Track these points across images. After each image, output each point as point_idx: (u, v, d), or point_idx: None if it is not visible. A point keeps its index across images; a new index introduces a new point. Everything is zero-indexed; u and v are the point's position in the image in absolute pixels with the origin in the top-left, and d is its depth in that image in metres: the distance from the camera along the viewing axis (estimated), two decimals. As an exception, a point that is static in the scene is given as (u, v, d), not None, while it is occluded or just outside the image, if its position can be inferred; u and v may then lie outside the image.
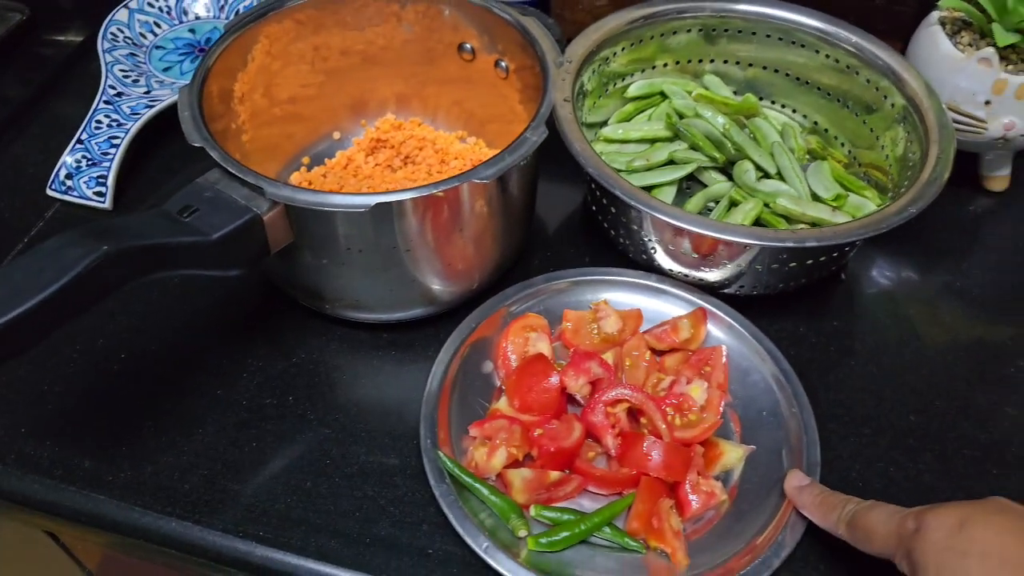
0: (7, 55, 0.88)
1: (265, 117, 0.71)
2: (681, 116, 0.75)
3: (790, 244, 0.57)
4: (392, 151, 0.76)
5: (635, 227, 0.64)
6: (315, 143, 0.76)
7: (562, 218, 0.74)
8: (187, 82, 0.62)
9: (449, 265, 0.61)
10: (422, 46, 0.74)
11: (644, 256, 0.65)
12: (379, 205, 0.53)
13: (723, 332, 0.62)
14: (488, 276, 0.65)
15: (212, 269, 0.53)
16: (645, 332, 0.62)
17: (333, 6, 0.70)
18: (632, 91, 0.77)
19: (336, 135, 0.77)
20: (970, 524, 0.43)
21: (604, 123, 0.77)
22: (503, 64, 0.71)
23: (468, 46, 0.72)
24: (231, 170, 0.54)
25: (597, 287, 0.65)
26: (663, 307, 0.64)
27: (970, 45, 0.70)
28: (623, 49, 0.74)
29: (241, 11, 0.88)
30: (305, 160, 0.75)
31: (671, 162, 0.73)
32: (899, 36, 0.76)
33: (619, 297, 0.64)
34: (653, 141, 0.76)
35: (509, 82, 0.71)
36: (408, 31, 0.72)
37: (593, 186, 0.66)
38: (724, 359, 0.60)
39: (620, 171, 0.71)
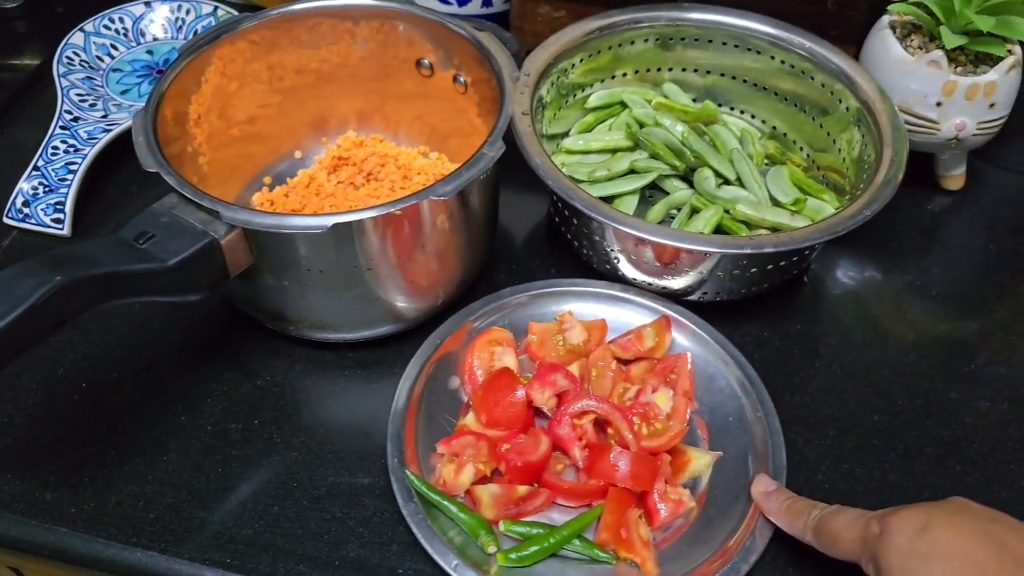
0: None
1: (223, 138, 0.70)
2: (641, 125, 0.76)
3: (748, 251, 0.58)
4: (354, 168, 0.75)
5: (597, 238, 0.64)
6: (276, 162, 0.76)
7: (526, 230, 0.75)
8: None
9: (412, 282, 0.61)
10: (379, 62, 0.73)
11: (608, 266, 0.66)
12: (337, 225, 0.53)
13: (688, 339, 0.62)
14: (453, 291, 0.65)
15: (170, 295, 0.53)
16: (610, 342, 0.62)
17: (287, 25, 0.69)
18: (592, 102, 0.77)
19: (297, 154, 0.77)
20: (932, 527, 0.44)
21: (565, 134, 0.78)
22: (461, 79, 0.71)
23: (426, 61, 0.72)
24: (186, 195, 0.54)
25: (561, 299, 0.65)
26: (628, 316, 0.64)
27: (920, 48, 0.71)
28: (581, 60, 0.75)
29: (199, 32, 0.88)
30: (267, 180, 0.75)
31: (632, 171, 0.74)
32: (851, 41, 0.77)
33: (584, 308, 0.64)
34: (614, 151, 0.76)
35: (468, 96, 0.72)
36: (364, 48, 0.72)
37: (555, 198, 0.66)
38: (689, 366, 0.60)
39: (582, 182, 0.71)
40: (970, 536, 0.43)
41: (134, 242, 0.53)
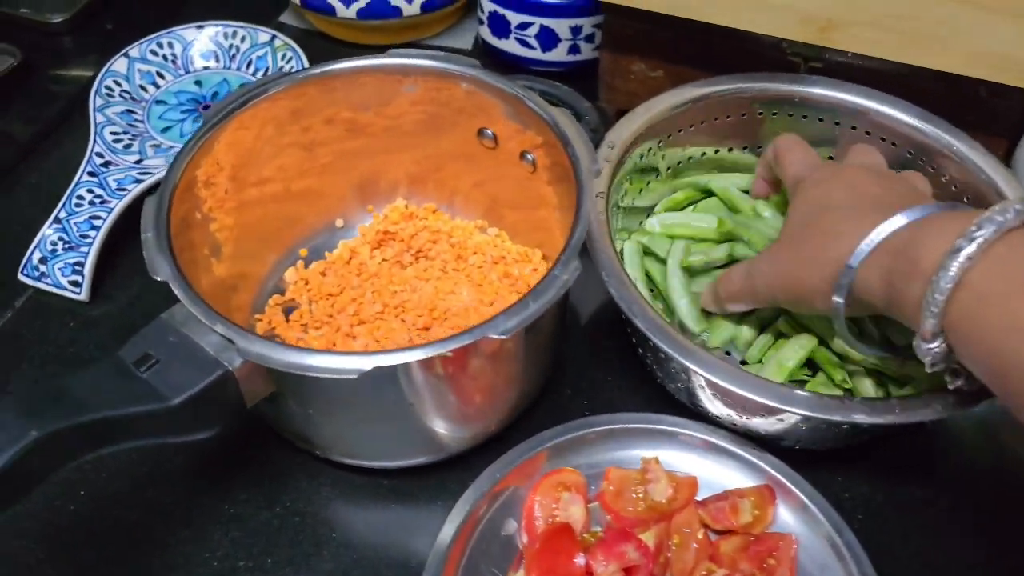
0: (4, 97, 0.80)
1: (256, 203, 0.62)
2: (735, 210, 0.65)
3: (836, 418, 0.47)
4: (402, 245, 0.66)
5: (673, 368, 0.54)
6: (315, 232, 0.67)
7: (597, 324, 0.64)
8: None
9: (462, 413, 0.52)
10: (436, 128, 0.64)
11: (683, 393, 0.56)
12: (376, 369, 0.44)
13: (793, 513, 0.52)
14: (507, 417, 0.56)
15: (173, 436, 0.45)
16: (700, 503, 0.52)
17: (333, 84, 0.60)
18: (681, 183, 0.66)
19: (339, 222, 0.68)
20: (842, 168, 0.53)
21: (653, 207, 0.67)
22: (530, 157, 0.61)
23: (489, 132, 0.63)
24: (198, 315, 0.45)
25: (645, 439, 0.55)
26: (722, 471, 0.54)
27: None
28: (680, 131, 0.64)
29: (253, 61, 0.79)
30: (303, 252, 0.66)
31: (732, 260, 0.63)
32: (1001, 134, 0.65)
33: (672, 456, 0.54)
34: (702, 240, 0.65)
35: (536, 176, 0.62)
36: (419, 111, 0.63)
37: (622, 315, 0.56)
38: (794, 553, 0.50)
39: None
40: (862, 172, 0.51)
41: (134, 368, 0.44)
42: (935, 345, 0.42)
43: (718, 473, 0.54)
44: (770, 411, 0.51)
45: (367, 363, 0.43)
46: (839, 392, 0.54)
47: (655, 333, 0.49)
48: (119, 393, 0.43)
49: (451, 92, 0.61)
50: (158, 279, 0.47)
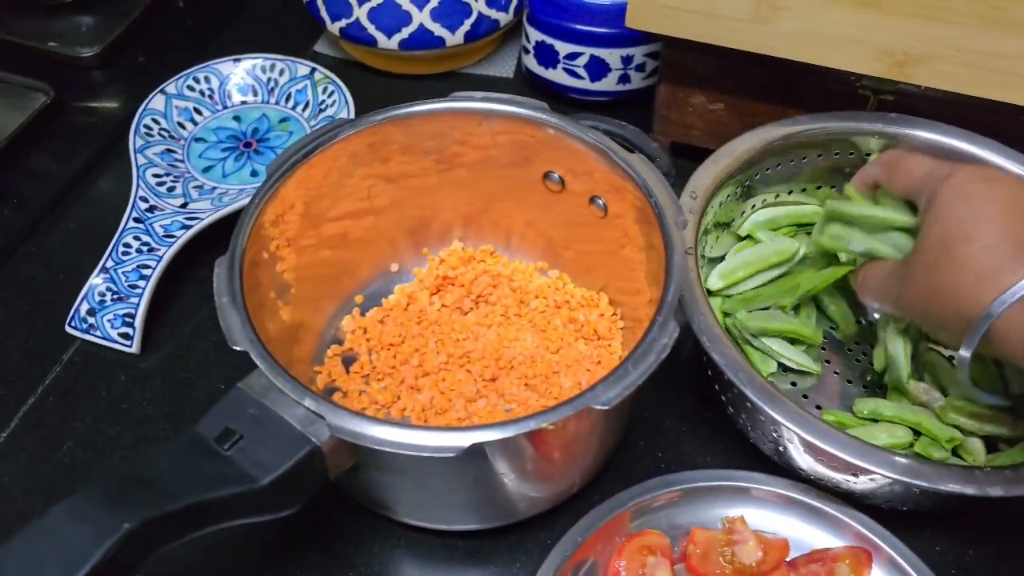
0: (35, 136, 0.77)
1: (314, 255, 0.60)
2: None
3: (942, 487, 0.45)
4: (462, 290, 0.64)
5: (762, 419, 0.52)
6: (371, 278, 0.65)
7: (669, 376, 0.62)
8: (226, 203, 0.51)
9: (549, 479, 0.50)
10: (498, 168, 0.62)
11: (773, 448, 0.54)
12: (475, 445, 0.41)
13: (886, 573, 0.50)
14: (589, 476, 0.54)
15: (259, 515, 0.43)
16: (791, 564, 0.50)
17: (392, 128, 0.58)
18: (747, 227, 0.64)
19: (394, 267, 0.66)
20: (996, 180, 0.45)
21: (722, 258, 0.65)
22: (600, 202, 0.59)
23: (556, 176, 0.60)
24: (284, 389, 0.43)
25: (727, 497, 0.53)
26: (811, 530, 0.52)
27: None
28: (757, 176, 0.62)
29: (293, 95, 0.77)
30: (358, 299, 0.64)
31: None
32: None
33: (755, 514, 0.52)
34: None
35: (608, 221, 0.59)
36: (477, 154, 0.61)
37: (714, 371, 0.54)
38: (892, 617, 0.48)
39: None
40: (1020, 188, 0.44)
41: (216, 445, 0.42)
42: None
43: (804, 531, 0.53)
44: (863, 471, 0.49)
45: (466, 440, 0.41)
46: (944, 452, 0.53)
47: (765, 400, 0.48)
48: (206, 475, 0.41)
49: (522, 137, 0.58)
50: (237, 349, 0.45)
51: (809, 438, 0.47)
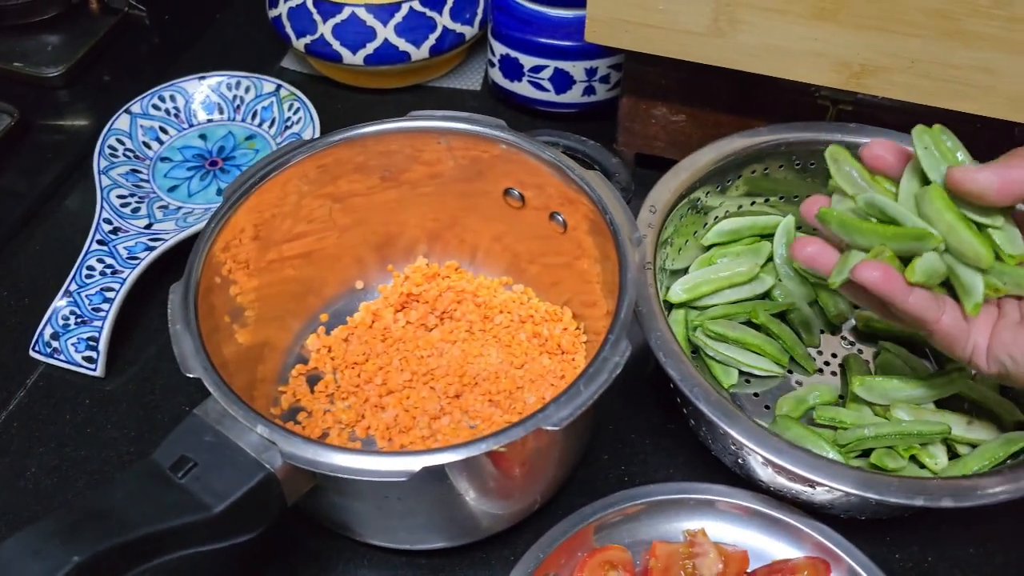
0: (1, 157, 0.77)
1: (277, 276, 0.60)
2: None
3: (895, 500, 0.45)
4: (426, 307, 0.64)
5: (721, 433, 0.52)
6: (336, 295, 0.65)
7: (632, 387, 0.62)
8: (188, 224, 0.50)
9: (508, 496, 0.50)
10: (459, 185, 0.62)
11: (733, 461, 0.54)
12: (425, 469, 0.42)
13: (846, 585, 0.50)
14: (550, 492, 0.54)
15: (213, 543, 0.42)
16: (751, 574, 0.51)
17: (353, 148, 0.58)
18: (711, 237, 0.65)
19: (359, 284, 0.66)
20: None
21: (686, 270, 0.65)
22: (560, 218, 0.59)
23: (516, 192, 0.61)
24: (237, 416, 0.43)
25: (689, 510, 0.53)
26: (767, 540, 0.52)
27: None
28: (718, 188, 0.62)
29: (259, 112, 0.77)
30: (323, 317, 0.64)
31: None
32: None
33: (716, 527, 0.53)
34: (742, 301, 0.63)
35: (568, 236, 0.60)
36: (439, 169, 0.61)
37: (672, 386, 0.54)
38: (850, 632, 0.48)
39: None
40: None
41: (171, 473, 0.42)
42: None
43: (764, 543, 0.53)
44: (817, 484, 0.49)
45: (416, 464, 0.41)
46: (901, 461, 0.53)
47: (720, 416, 0.48)
48: (159, 505, 0.41)
49: (477, 153, 0.59)
50: (191, 376, 0.45)
51: (764, 453, 0.47)
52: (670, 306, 0.61)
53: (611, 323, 0.47)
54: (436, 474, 0.43)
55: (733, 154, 0.61)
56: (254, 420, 0.43)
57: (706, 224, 0.64)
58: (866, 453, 0.54)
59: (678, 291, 0.61)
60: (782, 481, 0.51)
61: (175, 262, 0.65)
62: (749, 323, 0.61)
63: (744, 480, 0.54)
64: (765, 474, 0.52)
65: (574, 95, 0.77)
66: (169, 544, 0.40)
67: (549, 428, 0.43)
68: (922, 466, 0.53)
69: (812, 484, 0.48)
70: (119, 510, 0.40)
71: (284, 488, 0.44)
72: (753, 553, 0.52)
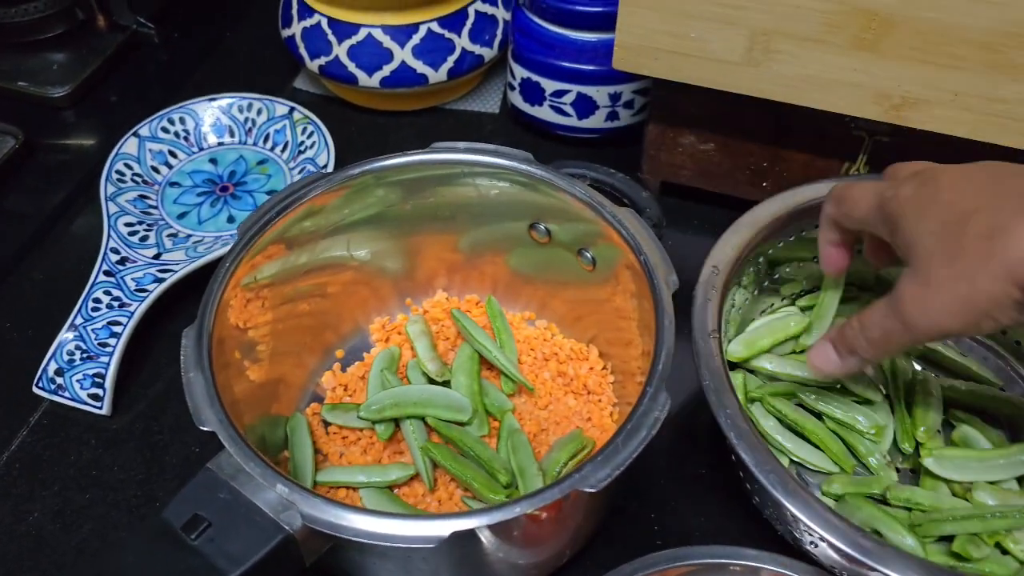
0: (4, 181, 0.75)
1: (292, 304, 0.57)
2: None
3: None
4: (447, 343, 0.62)
5: (786, 514, 0.49)
6: (353, 330, 0.63)
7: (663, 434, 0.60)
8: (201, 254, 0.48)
9: (536, 555, 0.48)
10: (480, 218, 0.60)
11: (786, 531, 0.50)
12: (455, 534, 0.39)
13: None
14: (579, 547, 0.51)
15: (228, 612, 0.40)
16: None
17: (373, 180, 0.56)
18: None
19: (377, 319, 0.63)
20: (937, 173, 0.43)
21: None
22: (588, 255, 0.57)
23: (543, 227, 0.58)
24: (255, 475, 0.41)
25: None
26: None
27: None
28: (780, 244, 0.58)
29: (271, 136, 0.75)
30: (339, 353, 0.61)
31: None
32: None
33: None
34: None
35: (596, 274, 0.57)
36: (461, 202, 0.59)
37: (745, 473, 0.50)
38: None
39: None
40: (973, 170, 0.43)
41: (183, 534, 0.40)
42: None
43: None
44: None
45: (445, 529, 0.39)
46: (987, 548, 0.49)
47: (791, 500, 0.45)
48: (172, 571, 0.38)
49: (503, 187, 0.56)
50: (205, 429, 0.43)
51: (835, 540, 0.44)
52: (731, 365, 0.57)
53: (648, 375, 0.45)
54: (464, 537, 0.41)
55: (796, 208, 0.56)
56: (273, 479, 0.41)
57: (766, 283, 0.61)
58: (944, 539, 0.51)
59: (737, 348, 0.57)
60: (840, 561, 0.48)
61: (184, 294, 0.63)
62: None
63: (792, 548, 0.51)
64: (822, 553, 0.49)
65: (597, 120, 0.75)
66: (182, 615, 0.38)
67: (587, 490, 0.40)
68: (1005, 552, 0.50)
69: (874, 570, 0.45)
70: (130, 579, 0.37)
71: (303, 549, 0.41)
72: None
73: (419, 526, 0.39)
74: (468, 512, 0.40)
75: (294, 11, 0.77)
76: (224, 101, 0.77)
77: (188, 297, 0.63)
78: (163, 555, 0.39)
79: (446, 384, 0.57)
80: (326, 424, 0.58)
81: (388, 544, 0.39)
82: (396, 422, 0.56)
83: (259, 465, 0.41)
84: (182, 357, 0.46)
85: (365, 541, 0.39)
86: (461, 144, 0.56)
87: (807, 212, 0.56)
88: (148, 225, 0.68)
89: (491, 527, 0.40)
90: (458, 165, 0.56)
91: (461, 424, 0.55)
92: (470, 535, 0.40)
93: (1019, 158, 0.56)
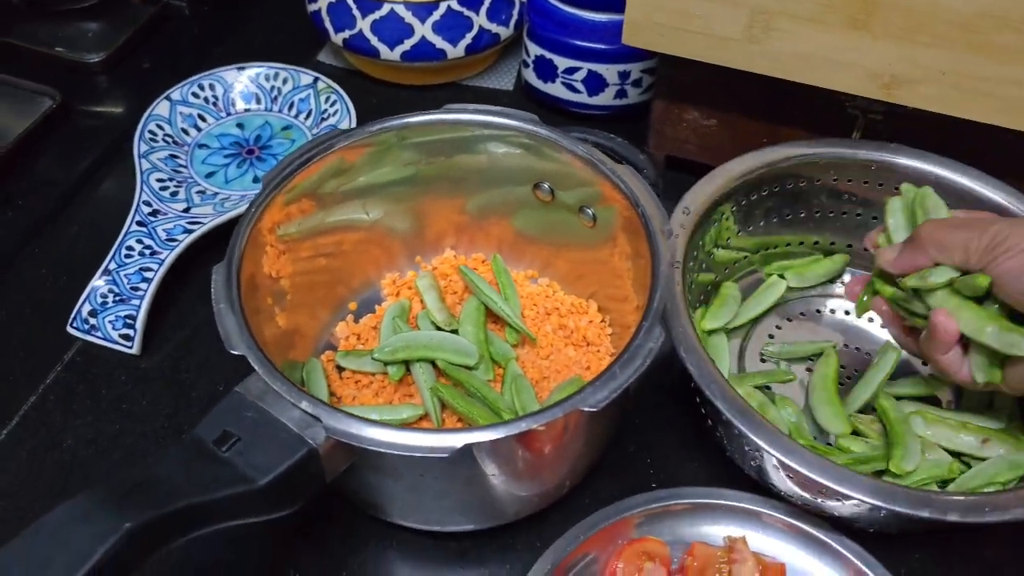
0: (41, 140, 0.79)
1: (310, 259, 0.61)
2: None
3: (925, 515, 0.46)
4: (454, 297, 0.65)
5: (736, 434, 0.53)
6: (364, 285, 0.66)
7: (657, 391, 0.63)
8: (219, 211, 0.52)
9: (540, 479, 0.51)
10: (489, 178, 0.63)
11: (749, 463, 0.54)
12: (468, 445, 0.43)
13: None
14: (579, 477, 0.55)
15: (256, 516, 0.44)
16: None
17: (387, 139, 0.60)
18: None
19: (387, 274, 0.67)
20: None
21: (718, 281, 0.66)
22: (589, 212, 0.61)
23: (546, 186, 0.62)
24: (281, 392, 0.44)
25: (734, 516, 0.54)
26: (812, 560, 0.53)
27: None
28: (753, 197, 0.63)
29: (295, 104, 0.79)
30: (352, 306, 0.65)
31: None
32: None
33: (760, 538, 0.53)
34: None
35: (596, 231, 0.61)
36: (469, 162, 0.62)
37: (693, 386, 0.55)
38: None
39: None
40: None
41: (215, 447, 0.43)
42: None
43: (803, 560, 0.53)
44: (843, 497, 0.49)
45: (458, 440, 0.43)
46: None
47: (736, 415, 0.49)
48: (205, 477, 0.42)
49: (509, 147, 0.60)
50: (234, 353, 0.46)
51: (779, 455, 0.48)
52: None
53: (644, 311, 0.49)
54: (473, 453, 0.44)
55: (772, 164, 0.62)
56: (298, 396, 0.44)
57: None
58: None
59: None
60: (794, 489, 0.52)
61: (211, 245, 0.67)
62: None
63: (764, 488, 0.55)
64: (778, 479, 0.53)
65: (606, 97, 0.78)
66: (214, 515, 0.42)
67: (587, 409, 0.44)
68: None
69: (822, 490, 0.49)
70: (166, 481, 0.41)
71: (325, 464, 0.45)
72: (789, 568, 0.52)
73: (434, 438, 0.43)
74: (478, 426, 0.43)
75: (320, -14, 0.81)
76: (252, 70, 0.80)
77: (215, 250, 0.66)
78: (197, 464, 0.42)
79: (454, 333, 0.61)
80: (339, 370, 0.62)
81: (406, 454, 0.42)
82: (407, 365, 0.59)
83: (285, 384, 0.45)
84: (213, 290, 0.49)
85: (385, 451, 0.43)
86: (471, 106, 0.60)
87: (780, 171, 0.62)
88: (178, 182, 0.72)
89: (500, 441, 0.43)
90: (470, 127, 0.59)
91: (468, 368, 0.58)
92: (481, 448, 0.44)
93: (1006, 136, 0.59)
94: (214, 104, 0.79)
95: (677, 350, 0.51)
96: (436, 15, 0.78)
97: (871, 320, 0.66)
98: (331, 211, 0.61)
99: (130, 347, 0.64)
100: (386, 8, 0.78)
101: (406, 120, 0.59)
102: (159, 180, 0.71)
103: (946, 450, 0.56)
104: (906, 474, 0.54)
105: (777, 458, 0.48)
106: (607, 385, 0.45)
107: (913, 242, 0.50)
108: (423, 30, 0.78)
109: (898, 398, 0.59)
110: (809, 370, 0.63)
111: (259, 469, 0.42)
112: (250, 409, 0.45)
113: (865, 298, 0.56)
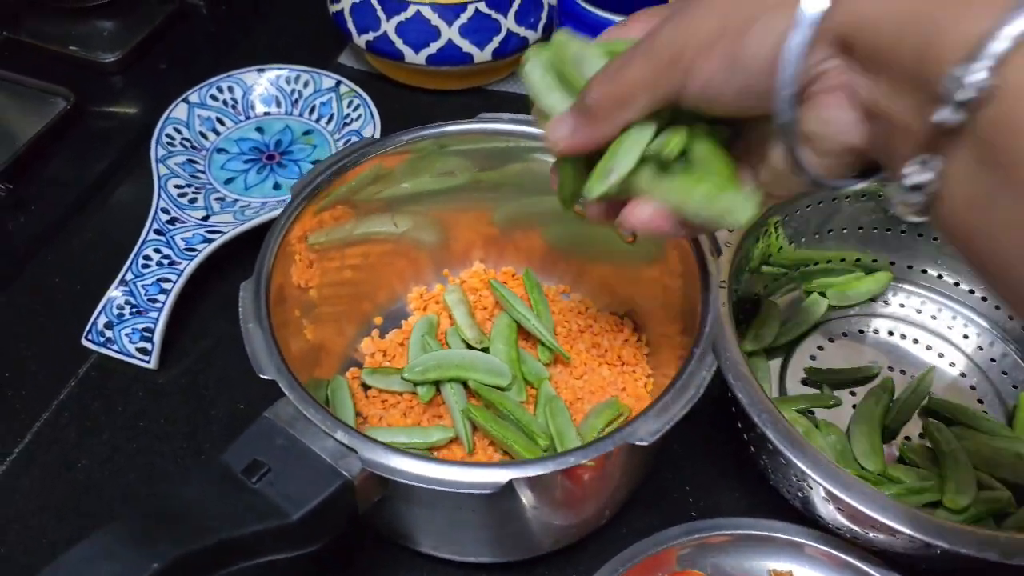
0: (54, 141, 0.76)
1: (337, 271, 0.59)
2: None
3: (993, 558, 0.43)
4: (484, 312, 0.63)
5: (783, 463, 0.50)
6: (391, 298, 0.64)
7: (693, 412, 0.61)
8: (244, 218, 0.49)
9: (580, 512, 0.49)
10: (520, 189, 0.61)
11: (793, 492, 0.52)
12: (513, 481, 0.40)
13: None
14: (616, 509, 0.53)
15: (286, 551, 0.41)
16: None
17: (418, 149, 0.57)
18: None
19: (414, 288, 0.65)
20: None
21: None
22: (630, 227, 0.58)
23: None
24: (315, 421, 0.42)
25: (777, 549, 0.51)
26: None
27: None
28: (797, 212, 0.60)
29: (317, 107, 0.76)
30: (377, 320, 0.63)
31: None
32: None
33: (805, 573, 0.51)
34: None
35: (638, 246, 0.58)
36: (508, 173, 0.60)
37: (737, 411, 0.52)
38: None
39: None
40: None
41: (244, 477, 0.41)
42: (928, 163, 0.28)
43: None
44: (898, 533, 0.47)
45: (503, 476, 0.40)
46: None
47: (786, 444, 0.46)
48: (235, 509, 0.39)
49: (544, 158, 0.58)
50: (264, 378, 0.44)
51: (832, 489, 0.45)
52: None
53: (696, 337, 0.46)
54: (520, 487, 0.42)
55: None
56: (333, 425, 0.42)
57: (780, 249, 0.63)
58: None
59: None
60: (843, 521, 0.49)
61: (230, 255, 0.64)
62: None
63: (810, 519, 0.52)
64: (826, 511, 0.50)
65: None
66: (245, 551, 0.39)
67: (638, 443, 0.42)
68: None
69: (874, 524, 0.46)
70: (196, 513, 0.39)
71: (358, 496, 0.42)
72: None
73: (478, 473, 0.40)
74: (523, 461, 0.41)
75: (343, -14, 0.78)
76: (272, 73, 0.78)
77: (234, 260, 0.65)
78: (226, 495, 0.40)
79: (484, 351, 0.59)
80: (365, 388, 0.59)
81: (448, 490, 0.40)
82: (437, 385, 0.57)
83: (319, 412, 0.42)
84: (240, 309, 0.47)
85: (425, 487, 0.40)
86: (505, 115, 0.57)
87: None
88: (196, 188, 0.70)
89: (544, 477, 0.41)
90: (501, 135, 0.57)
91: (501, 389, 0.56)
92: (525, 484, 0.41)
93: None
94: (233, 107, 0.77)
95: (725, 376, 0.49)
96: (463, 17, 0.76)
97: (916, 342, 0.64)
98: (361, 221, 0.58)
99: (147, 361, 0.61)
100: (412, 10, 0.75)
101: (439, 129, 0.57)
102: (177, 186, 0.69)
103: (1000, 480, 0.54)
104: (962, 509, 0.51)
105: (826, 488, 0.46)
106: (660, 417, 0.43)
107: (585, 113, 0.37)
108: (450, 33, 0.76)
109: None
110: (852, 393, 0.61)
111: (292, 501, 0.40)
112: (280, 436, 0.43)
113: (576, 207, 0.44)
